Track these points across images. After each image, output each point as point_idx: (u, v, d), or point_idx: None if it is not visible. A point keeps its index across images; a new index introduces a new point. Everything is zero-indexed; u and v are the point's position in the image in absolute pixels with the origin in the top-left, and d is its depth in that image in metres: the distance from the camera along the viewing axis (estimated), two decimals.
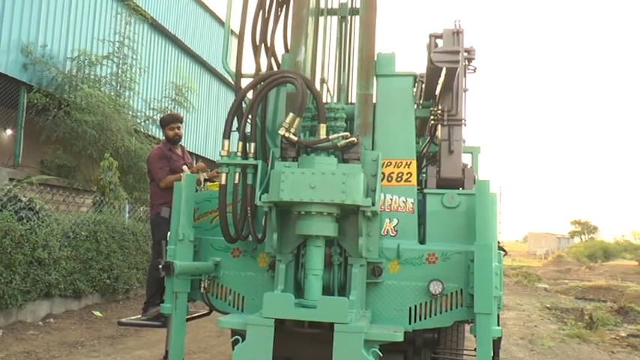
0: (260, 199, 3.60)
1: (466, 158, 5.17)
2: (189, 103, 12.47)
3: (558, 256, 48.84)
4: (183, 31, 16.04)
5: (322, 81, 4.29)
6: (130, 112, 11.19)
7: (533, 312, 12.48)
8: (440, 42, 4.47)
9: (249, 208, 3.90)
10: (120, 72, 11.06)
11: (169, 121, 5.43)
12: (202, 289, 4.14)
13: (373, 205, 3.53)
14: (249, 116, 3.98)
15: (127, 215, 9.85)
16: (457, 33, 4.26)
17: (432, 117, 4.40)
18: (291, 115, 3.72)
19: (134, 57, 11.44)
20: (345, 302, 3.34)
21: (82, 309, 8.62)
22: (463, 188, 4.23)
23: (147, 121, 11.69)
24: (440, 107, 4.35)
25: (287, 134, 3.70)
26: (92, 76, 10.44)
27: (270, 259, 4.09)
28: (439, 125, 4.41)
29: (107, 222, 8.94)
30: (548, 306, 13.86)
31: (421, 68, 5.02)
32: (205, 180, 4.93)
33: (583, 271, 37.54)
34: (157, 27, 13.70)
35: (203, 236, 4.32)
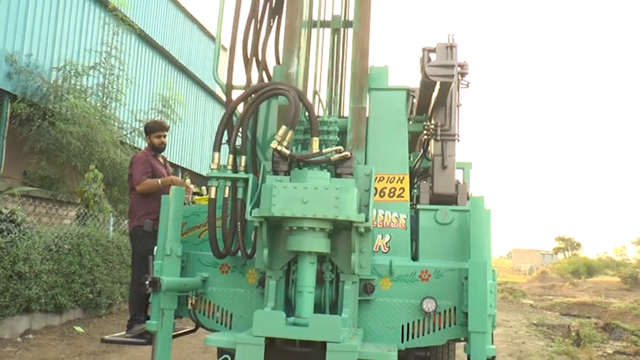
0: (251, 214, 3.51)
1: (457, 174, 5.14)
2: (176, 114, 12.35)
3: (542, 272, 49.10)
4: (170, 43, 15.98)
5: (315, 93, 4.23)
6: (116, 124, 11.04)
7: (520, 328, 12.45)
8: (433, 56, 4.44)
9: (239, 223, 3.82)
10: (106, 83, 10.92)
11: (156, 129, 5.32)
12: (190, 305, 4.03)
13: (366, 220, 3.46)
14: (240, 129, 3.91)
15: (112, 228, 9.67)
16: (451, 47, 4.24)
17: (425, 132, 4.35)
18: (283, 128, 3.65)
19: (121, 68, 11.32)
20: (338, 320, 3.25)
21: (63, 324, 8.41)
22: (456, 204, 4.17)
23: (133, 133, 11.54)
24: (433, 122, 4.31)
25: (279, 147, 3.62)
26: (78, 87, 10.28)
27: (260, 275, 4.00)
28: (432, 140, 4.36)
29: (91, 235, 8.76)
30: (534, 322, 13.84)
31: (411, 82, 4.99)
32: (194, 193, 4.83)
33: (567, 287, 37.78)
34: (144, 38, 13.60)
35: (190, 251, 4.22)
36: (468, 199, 4.18)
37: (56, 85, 9.97)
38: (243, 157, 3.89)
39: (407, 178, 4.10)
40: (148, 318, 4.18)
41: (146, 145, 5.50)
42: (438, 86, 4.03)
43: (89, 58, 10.95)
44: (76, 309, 8.74)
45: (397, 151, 4.13)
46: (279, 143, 3.62)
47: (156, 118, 11.30)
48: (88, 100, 10.23)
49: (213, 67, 4.37)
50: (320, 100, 4.27)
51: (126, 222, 10.65)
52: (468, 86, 4.47)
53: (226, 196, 3.85)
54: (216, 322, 4.10)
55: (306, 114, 3.83)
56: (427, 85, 4.01)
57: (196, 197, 4.79)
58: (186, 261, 4.16)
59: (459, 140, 4.28)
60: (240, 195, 3.85)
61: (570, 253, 69.60)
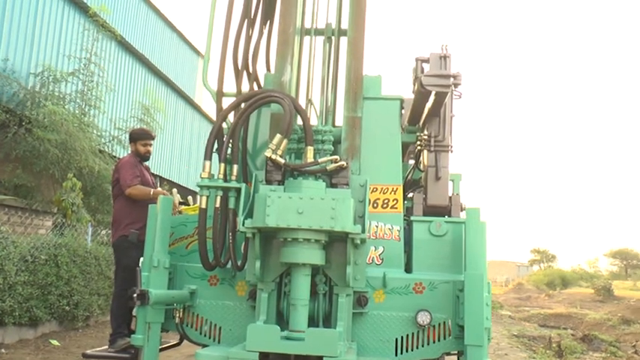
0: (243, 225, 3.41)
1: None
2: (157, 123, 12.15)
3: (519, 284, 49.58)
4: (150, 51, 15.76)
5: (309, 102, 4.16)
6: (95, 132, 10.80)
7: (501, 340, 12.47)
8: (426, 66, 4.42)
9: (230, 234, 3.71)
10: (86, 89, 10.69)
11: (143, 137, 5.19)
12: (177, 318, 3.90)
13: (363, 232, 3.38)
14: (232, 137, 3.81)
15: (90, 238, 9.42)
16: (445, 57, 4.22)
17: (418, 142, 4.31)
18: (278, 136, 3.56)
19: (101, 74, 11.10)
20: (335, 334, 3.16)
21: (37, 338, 8.13)
22: (450, 216, 4.13)
23: (112, 141, 11.32)
24: (426, 133, 4.28)
25: (274, 156, 3.53)
26: (57, 93, 10.04)
27: (250, 288, 3.90)
28: (424, 151, 4.32)
29: (68, 245, 8.52)
30: (515, 334, 13.89)
31: (399, 92, 4.93)
32: (181, 203, 4.70)
33: (542, 298, 38.19)
34: (124, 45, 13.40)
35: (178, 262, 4.09)
36: (462, 210, 4.15)
37: (34, 91, 9.72)
38: (235, 166, 3.79)
39: (400, 189, 4.05)
40: (132, 331, 4.03)
41: (130, 151, 5.35)
42: (432, 96, 4.00)
43: (68, 64, 10.72)
44: (52, 322, 8.47)
45: (391, 161, 4.08)
46: (274, 152, 3.54)
47: (142, 126, 11.13)
48: (66, 107, 9.99)
49: (203, 74, 4.27)
50: (314, 109, 4.20)
51: (104, 232, 10.42)
52: (460, 97, 4.45)
53: (217, 206, 3.74)
54: (204, 335, 3.98)
55: (300, 123, 3.76)
56: (422, 95, 3.97)
57: (183, 207, 4.66)
58: (173, 273, 4.03)
59: (452, 151, 4.24)
60: (231, 205, 3.75)
61: (545, 265, 70.51)
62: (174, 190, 4.90)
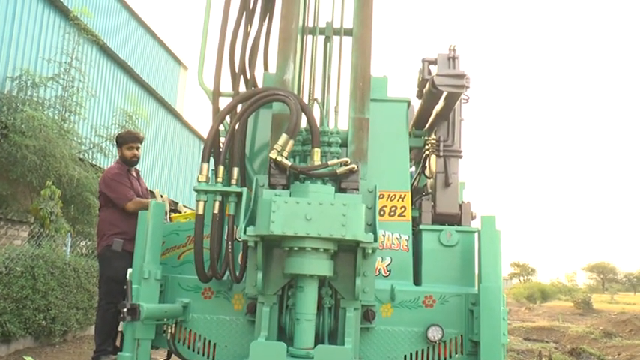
0: (245, 232, 3.14)
1: None
2: (139, 130, 11.78)
3: None
4: (131, 58, 15.44)
5: (314, 100, 3.92)
6: (76, 139, 10.40)
7: None
8: (433, 68, 4.23)
9: (229, 242, 3.44)
10: (66, 95, 10.30)
11: (129, 140, 4.86)
12: (169, 334, 3.61)
13: (375, 241, 3.12)
14: (232, 138, 3.56)
15: (69, 249, 9.00)
16: (453, 58, 4.03)
17: (426, 147, 4.09)
18: (284, 136, 3.31)
19: (82, 80, 10.72)
20: (347, 352, 2.91)
21: (11, 354, 7.67)
22: (460, 225, 3.92)
23: (93, 149, 10.92)
24: (434, 137, 4.07)
25: (279, 158, 3.28)
26: (35, 98, 9.65)
27: (248, 301, 3.62)
28: (432, 156, 4.12)
29: (46, 256, 8.08)
30: None
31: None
32: (171, 210, 4.40)
33: (523, 311, 38.23)
34: (105, 50, 13.04)
35: (169, 274, 3.80)
36: (473, 219, 3.94)
37: (10, 96, 9.32)
38: (235, 169, 3.53)
39: (409, 195, 3.83)
40: (117, 348, 3.72)
41: (117, 157, 5.03)
42: (443, 98, 3.79)
43: (48, 68, 10.33)
44: (27, 337, 8.01)
45: (398, 167, 3.87)
46: (279, 154, 3.28)
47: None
48: (45, 112, 9.59)
49: (198, 73, 4.01)
50: (322, 109, 3.97)
51: (84, 243, 10.01)
52: (468, 101, 4.25)
53: (216, 212, 3.47)
54: (197, 352, 3.69)
55: (306, 124, 3.51)
56: (432, 96, 3.76)
57: (174, 215, 4.36)
58: (164, 285, 3.74)
59: (461, 157, 4.04)
60: (231, 211, 3.48)
61: (525, 278, 70.93)
62: (165, 196, 4.59)
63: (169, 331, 3.61)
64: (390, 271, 3.74)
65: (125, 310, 3.10)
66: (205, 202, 3.51)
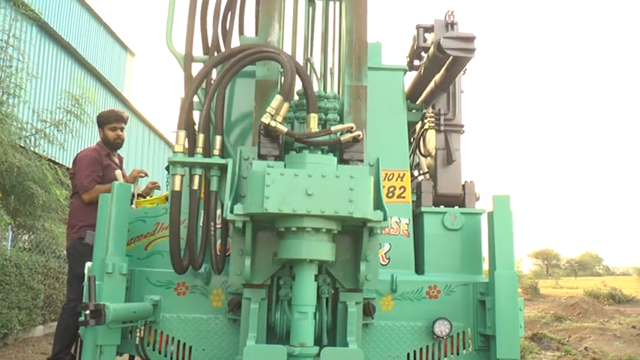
0: (232, 211, 2.65)
1: None
2: (88, 115, 10.94)
3: None
4: (75, 41, 14.52)
5: (307, 61, 3.44)
6: (15, 123, 9.51)
7: None
8: (428, 36, 3.84)
9: (211, 225, 2.95)
10: (3, 76, 9.39)
11: (111, 120, 4.29)
12: (137, 338, 3.09)
13: (385, 219, 2.67)
14: (211, 103, 3.05)
15: (10, 244, 8.20)
16: (452, 24, 3.65)
17: (426, 121, 3.69)
18: (278, 98, 2.81)
19: (21, 60, 9.81)
20: (358, 355, 2.48)
21: None
22: (464, 206, 3.55)
23: (35, 135, 10.03)
24: (432, 110, 3.68)
25: (273, 123, 2.78)
26: None
27: (230, 297, 3.14)
28: (429, 132, 3.73)
29: None
30: None
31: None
32: (138, 195, 3.84)
33: None
34: (46, 30, 12.12)
35: (135, 267, 3.27)
36: (477, 200, 3.57)
37: None
38: (218, 138, 3.02)
39: (408, 174, 3.43)
40: (73, 357, 3.17)
41: (98, 139, 4.43)
42: (446, 66, 3.40)
43: None
44: None
45: (396, 142, 3.46)
46: (272, 118, 2.78)
47: (65, 123, 9.96)
48: None
49: (167, 35, 3.47)
50: (314, 71, 3.49)
51: (26, 237, 9.21)
52: (465, 72, 3.88)
53: (195, 187, 2.97)
54: (170, 358, 3.18)
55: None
56: (435, 62, 3.35)
57: (140, 200, 3.78)
58: (129, 280, 3.20)
59: (463, 132, 3.67)
60: (213, 187, 2.99)
61: None
62: (138, 178, 4.03)
63: (138, 334, 3.09)
64: (389, 259, 3.34)
65: (88, 312, 2.55)
66: (182, 176, 2.99)
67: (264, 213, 2.53)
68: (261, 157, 2.85)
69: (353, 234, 2.87)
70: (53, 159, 10.38)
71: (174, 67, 3.48)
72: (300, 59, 3.40)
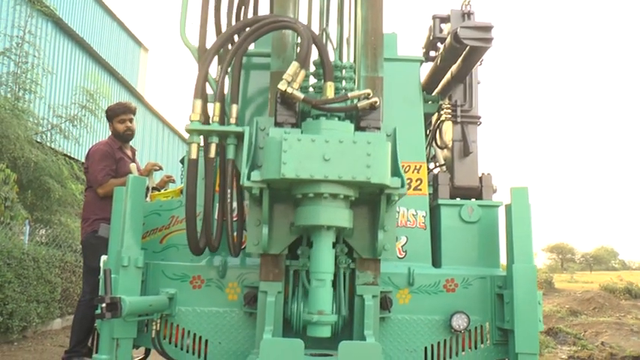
0: (249, 178, 2.63)
1: None
2: (102, 110, 11.01)
3: None
4: (89, 37, 14.61)
5: (324, 31, 3.41)
6: (32, 119, 9.60)
7: None
8: (444, 26, 3.79)
9: (229, 191, 2.94)
10: (19, 72, 9.47)
11: (119, 112, 4.31)
12: (154, 332, 3.09)
13: (402, 186, 2.63)
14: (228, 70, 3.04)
15: (27, 238, 8.28)
16: (468, 14, 3.59)
17: (442, 113, 3.65)
18: (294, 64, 2.78)
19: (37, 56, 9.89)
20: (376, 349, 2.45)
21: None
22: (481, 199, 3.51)
23: (51, 130, 10.11)
24: (448, 101, 3.63)
25: (289, 90, 2.74)
26: None
27: (246, 290, 3.13)
28: (445, 123, 3.69)
29: (2, 246, 7.39)
30: None
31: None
32: (153, 188, 3.84)
33: None
34: (61, 26, 12.19)
35: (151, 261, 3.27)
36: (494, 192, 3.53)
37: None
38: (235, 106, 3.01)
39: (425, 167, 3.39)
40: (90, 350, 3.19)
41: (109, 133, 4.46)
42: (463, 55, 3.35)
43: None
44: None
45: (412, 134, 3.41)
46: (289, 85, 2.75)
47: (80, 118, 10.03)
48: None
49: (181, 28, 3.45)
50: (330, 41, 3.46)
51: (43, 231, 9.30)
52: (481, 63, 3.83)
53: (212, 155, 2.96)
54: (187, 351, 3.18)
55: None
56: (453, 53, 3.30)
57: (155, 193, 3.79)
58: (145, 274, 3.21)
59: (480, 123, 3.62)
60: (230, 155, 2.98)
61: None
62: (153, 172, 4.03)
63: (155, 328, 3.09)
64: (405, 252, 3.31)
65: (104, 305, 2.55)
66: (199, 144, 2.99)
67: (282, 179, 2.51)
68: (277, 124, 2.83)
69: (370, 203, 2.84)
70: (69, 154, 10.46)
71: (187, 61, 3.48)
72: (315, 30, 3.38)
